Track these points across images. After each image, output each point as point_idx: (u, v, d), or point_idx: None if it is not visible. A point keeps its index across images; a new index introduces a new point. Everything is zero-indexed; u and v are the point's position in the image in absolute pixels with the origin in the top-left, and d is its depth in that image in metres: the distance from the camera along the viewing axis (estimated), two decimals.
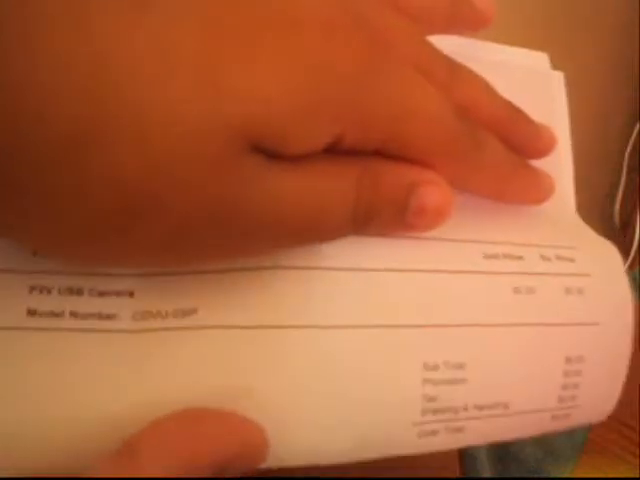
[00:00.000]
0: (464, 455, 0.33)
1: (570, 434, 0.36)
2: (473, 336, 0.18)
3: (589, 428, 0.36)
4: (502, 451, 0.36)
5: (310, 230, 0.15)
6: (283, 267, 0.17)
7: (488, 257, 0.19)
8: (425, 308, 0.18)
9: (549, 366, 0.20)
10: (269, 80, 0.13)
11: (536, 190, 0.21)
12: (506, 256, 0.20)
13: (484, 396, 0.19)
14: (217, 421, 0.15)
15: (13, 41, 0.11)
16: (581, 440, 0.37)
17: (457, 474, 0.31)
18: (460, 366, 0.18)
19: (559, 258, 0.20)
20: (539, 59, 0.25)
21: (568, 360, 0.20)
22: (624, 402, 0.22)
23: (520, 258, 0.20)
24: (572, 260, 0.21)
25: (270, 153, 0.14)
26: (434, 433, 0.18)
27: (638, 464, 0.37)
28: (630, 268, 0.48)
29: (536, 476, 0.35)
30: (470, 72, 0.19)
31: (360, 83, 0.15)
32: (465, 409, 0.18)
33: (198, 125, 0.12)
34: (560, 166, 0.23)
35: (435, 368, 0.18)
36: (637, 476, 0.37)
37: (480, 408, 0.19)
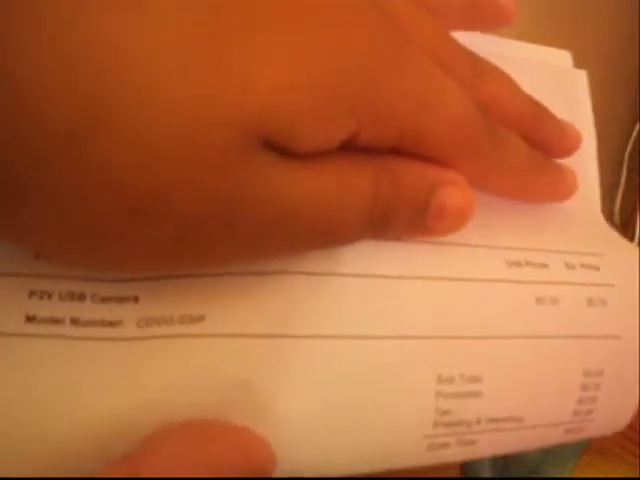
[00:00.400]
0: None
1: None
2: (492, 348, 0.18)
3: None
4: None
5: (325, 232, 0.15)
6: (293, 272, 0.16)
7: (511, 264, 0.18)
8: (442, 319, 0.17)
9: (567, 380, 0.19)
10: (278, 68, 0.12)
11: (559, 187, 0.20)
12: (530, 264, 0.19)
13: (499, 410, 0.18)
14: (223, 434, 0.15)
15: (12, 40, 0.11)
16: (581, 440, 0.37)
17: (457, 474, 0.31)
18: (476, 379, 0.17)
19: (583, 266, 0.20)
20: (562, 57, 0.24)
21: (587, 373, 0.19)
22: None
23: (544, 266, 0.19)
24: (597, 269, 0.20)
25: (282, 150, 0.13)
26: (445, 446, 0.17)
27: (638, 464, 0.37)
28: None
29: (536, 476, 0.36)
30: (493, 67, 0.19)
31: (378, 73, 0.14)
32: (479, 422, 0.18)
33: (200, 115, 0.12)
34: (585, 165, 0.22)
35: (450, 381, 0.17)
36: (637, 476, 0.37)
37: (494, 421, 0.18)
